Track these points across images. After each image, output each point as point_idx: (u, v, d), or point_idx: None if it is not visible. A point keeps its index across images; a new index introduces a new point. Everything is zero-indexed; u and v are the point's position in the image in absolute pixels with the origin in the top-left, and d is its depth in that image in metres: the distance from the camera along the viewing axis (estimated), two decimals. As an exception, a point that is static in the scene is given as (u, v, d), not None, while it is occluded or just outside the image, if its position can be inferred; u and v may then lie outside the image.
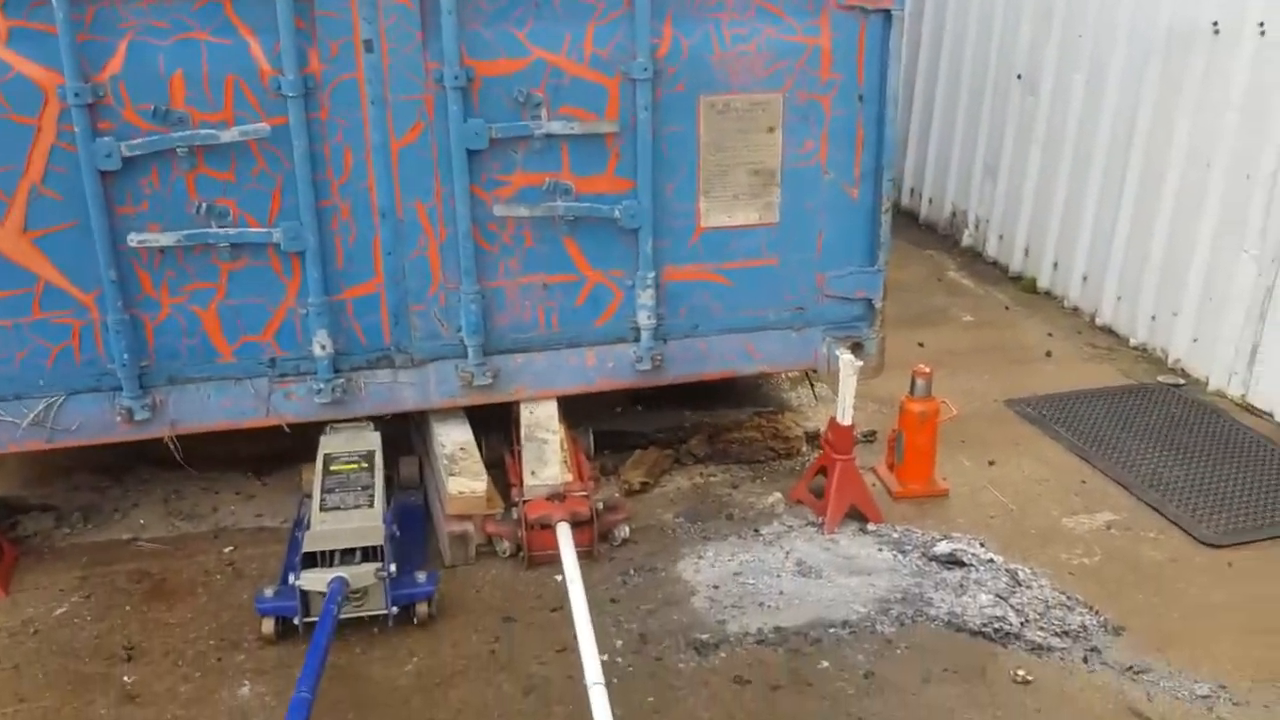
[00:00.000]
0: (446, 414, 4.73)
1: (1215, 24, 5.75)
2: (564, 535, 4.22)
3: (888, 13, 4.52)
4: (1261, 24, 5.47)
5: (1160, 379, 6.07)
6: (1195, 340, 6.04)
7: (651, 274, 4.58)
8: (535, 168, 4.39)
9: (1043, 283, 7.40)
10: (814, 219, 4.76)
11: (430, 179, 4.30)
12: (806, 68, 4.54)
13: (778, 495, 4.92)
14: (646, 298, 4.61)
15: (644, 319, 4.64)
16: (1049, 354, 6.43)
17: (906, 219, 8.98)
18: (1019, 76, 7.52)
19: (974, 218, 8.27)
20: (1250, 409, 5.67)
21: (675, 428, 5.41)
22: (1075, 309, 7.07)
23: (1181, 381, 6.01)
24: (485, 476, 4.43)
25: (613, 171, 4.47)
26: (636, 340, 4.71)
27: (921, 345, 6.49)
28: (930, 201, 8.92)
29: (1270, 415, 5.55)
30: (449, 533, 4.43)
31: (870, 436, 5.44)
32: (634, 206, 4.46)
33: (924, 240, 8.62)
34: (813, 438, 5.40)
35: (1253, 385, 5.66)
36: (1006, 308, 7.21)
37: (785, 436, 5.31)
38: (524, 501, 4.41)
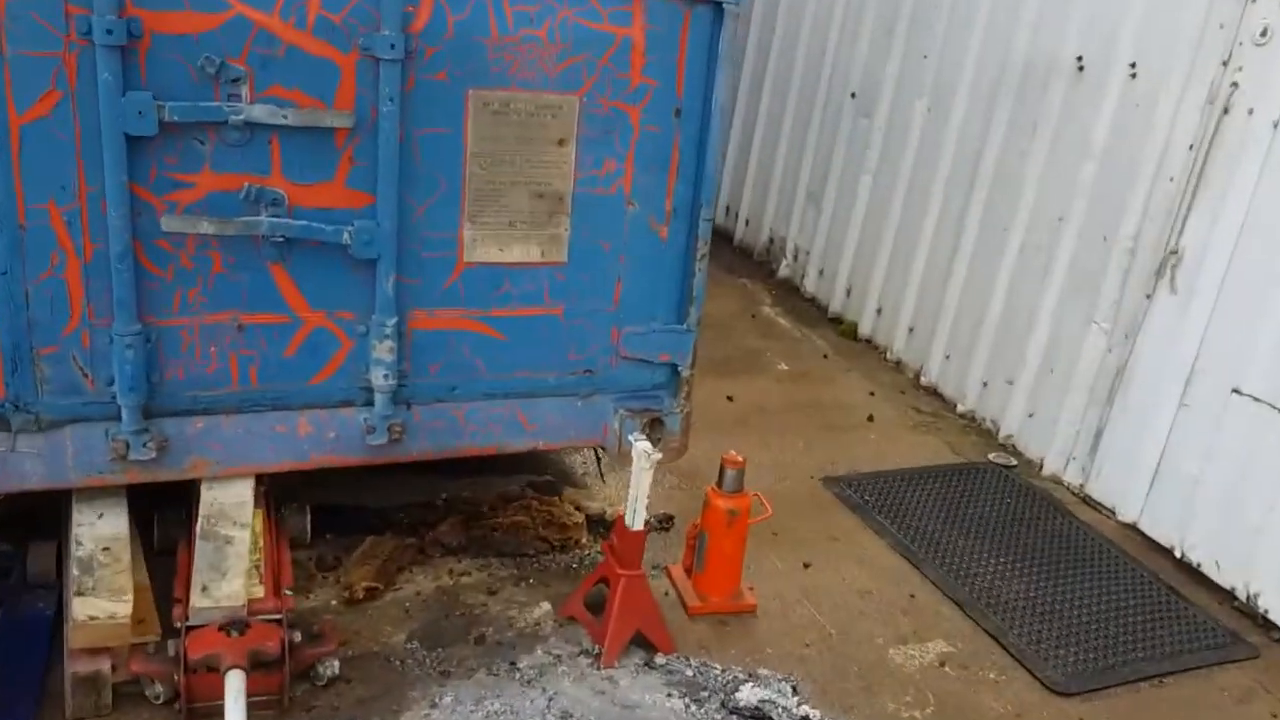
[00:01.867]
0: (95, 494, 3.43)
1: (1079, 60, 5.06)
2: (234, 688, 3.01)
3: (719, 6, 3.53)
4: (1133, 65, 4.80)
5: (991, 457, 5.37)
6: (1031, 415, 5.37)
7: (393, 320, 3.42)
8: (231, 167, 3.14)
9: (864, 329, 6.64)
10: (612, 261, 3.72)
11: (70, 172, 2.98)
12: (612, 66, 3.49)
13: (546, 607, 3.85)
14: (384, 350, 3.45)
15: (380, 378, 3.48)
16: (870, 418, 5.64)
17: (719, 241, 8.07)
18: (853, 95, 6.74)
19: (793, 247, 7.47)
20: (1090, 502, 5.03)
21: (423, 505, 4.27)
22: (898, 363, 6.34)
23: (1013, 462, 5.33)
24: (130, 593, 3.16)
25: (343, 181, 3.28)
26: (369, 405, 3.55)
27: (730, 400, 5.58)
28: (747, 223, 8.08)
29: (1113, 512, 4.91)
30: (72, 673, 3.13)
31: (666, 523, 4.46)
32: (371, 229, 3.29)
33: (738, 266, 7.76)
34: (597, 523, 4.37)
35: (1093, 475, 5.01)
36: (825, 356, 6.41)
37: (562, 523, 4.25)
38: (187, 630, 3.17)
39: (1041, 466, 5.28)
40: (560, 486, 4.61)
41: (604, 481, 4.69)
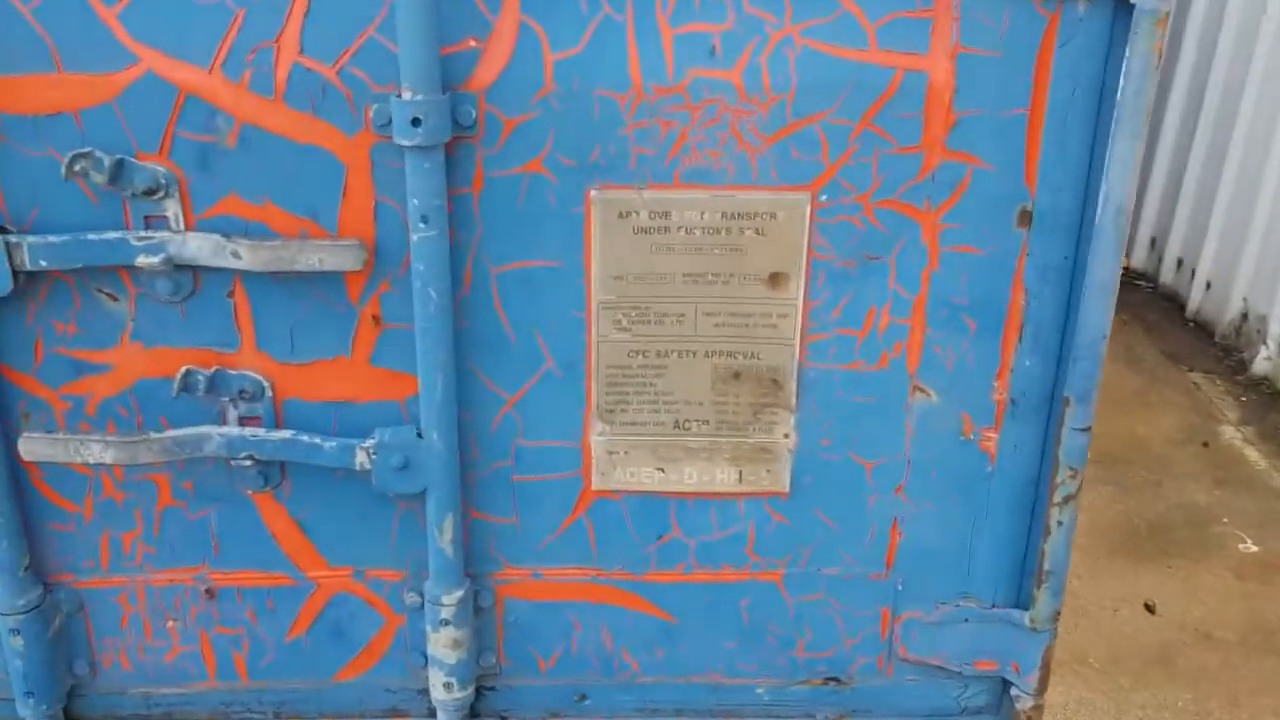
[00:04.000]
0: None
1: None
2: None
3: (1125, 3, 1.65)
4: None
5: None
6: None
7: (457, 591, 1.93)
8: (170, 338, 1.82)
9: (1401, 485, 4.15)
10: (880, 492, 1.96)
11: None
12: (881, 133, 1.74)
13: None
14: (446, 644, 1.95)
15: (441, 687, 2.00)
16: None
17: (1154, 307, 5.77)
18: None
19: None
20: None
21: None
22: None
23: None
24: None
25: (365, 357, 1.83)
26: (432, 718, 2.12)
27: (1151, 610, 3.48)
28: (1208, 286, 5.65)
29: None
30: None
31: None
32: (409, 442, 1.82)
33: (1185, 352, 5.38)
34: None
35: None
36: (1327, 532, 4.02)
37: None
38: None
39: None
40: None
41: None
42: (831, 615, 2.06)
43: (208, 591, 1.98)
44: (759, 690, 2.12)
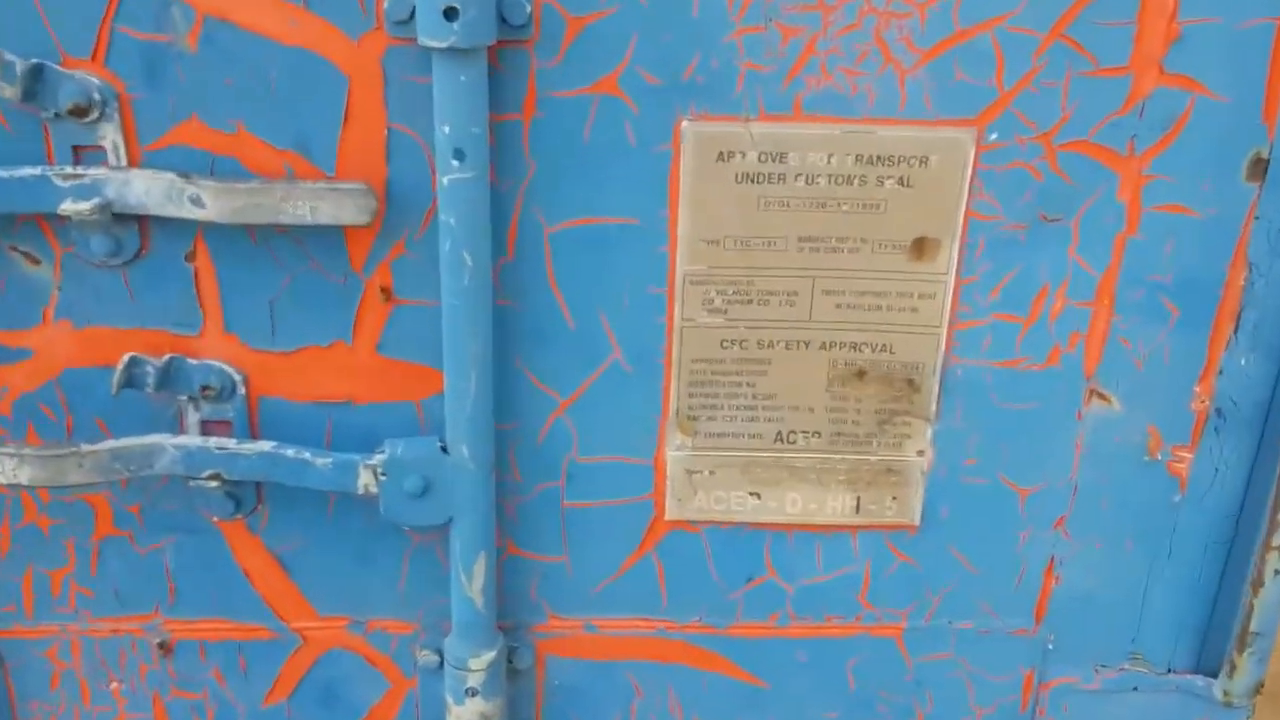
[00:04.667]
0: None
1: None
2: None
3: None
4: None
5: None
6: None
7: (489, 652, 1.48)
8: (105, 316, 1.36)
9: None
10: (1035, 525, 1.51)
11: None
12: (1079, 48, 1.29)
13: None
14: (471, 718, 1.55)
15: None
16: None
17: None
18: None
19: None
20: None
21: None
22: None
23: None
24: None
25: (373, 343, 1.39)
26: (459, 796, 1.67)
27: None
28: None
29: None
30: None
31: None
32: (430, 456, 1.35)
33: None
34: None
35: None
36: None
37: None
38: None
39: None
40: None
41: None
42: (962, 680, 1.61)
43: (161, 645, 1.52)
44: (854, 794, 1.68)
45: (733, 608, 1.55)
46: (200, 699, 1.56)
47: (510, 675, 1.55)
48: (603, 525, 1.50)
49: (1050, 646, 1.59)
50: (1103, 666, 1.60)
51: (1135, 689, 1.60)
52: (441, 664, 1.51)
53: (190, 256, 1.32)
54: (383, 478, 1.36)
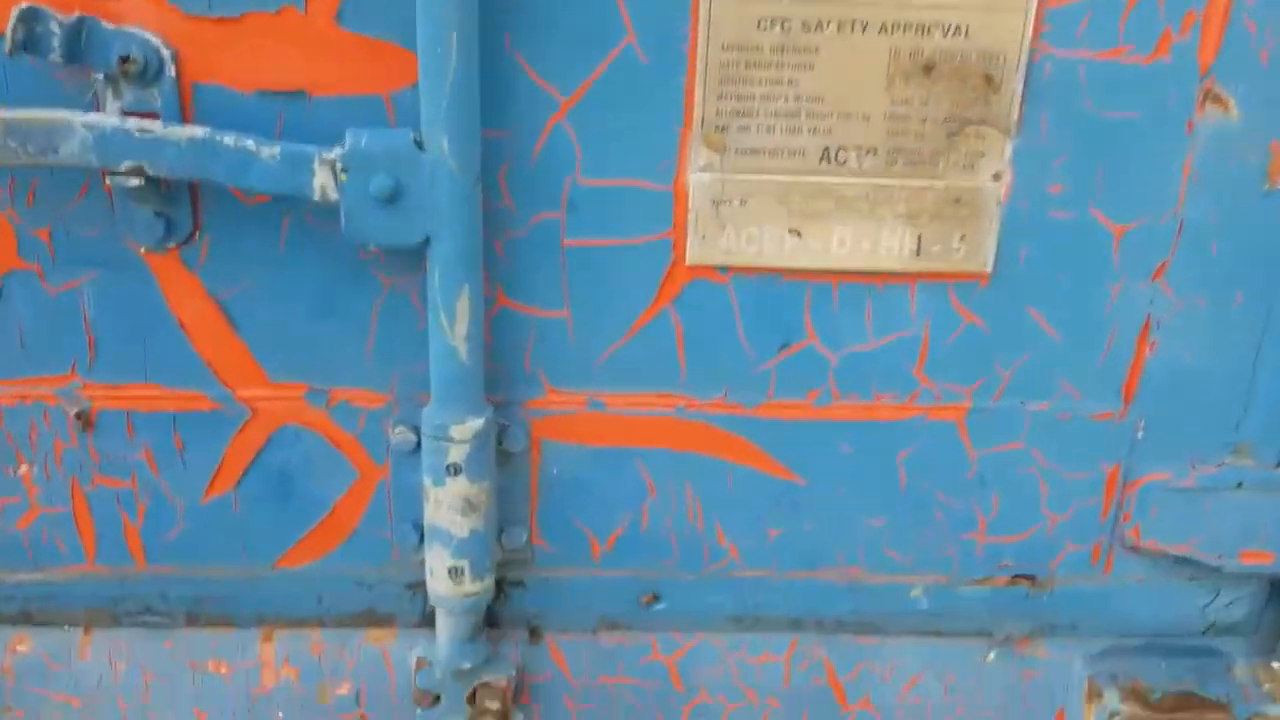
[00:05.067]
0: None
1: None
2: None
3: None
4: None
5: None
6: None
7: (479, 418, 1.25)
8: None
9: None
10: (1131, 264, 1.29)
11: None
12: None
13: None
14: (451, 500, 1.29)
15: (447, 581, 1.33)
16: None
17: None
18: None
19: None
20: None
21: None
22: None
23: None
24: None
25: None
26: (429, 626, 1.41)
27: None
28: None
29: None
30: None
31: None
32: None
33: None
34: None
35: None
36: None
37: None
38: None
39: None
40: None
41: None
42: (1033, 477, 1.36)
43: (79, 416, 1.26)
44: (915, 593, 1.42)
45: (764, 381, 1.30)
46: (128, 488, 1.30)
47: (500, 460, 1.29)
48: (611, 270, 1.24)
49: (1140, 435, 1.34)
50: (1200, 461, 1.36)
51: (1239, 485, 1.35)
52: (419, 445, 1.26)
53: (105, -112, 1.07)
54: (343, 176, 1.10)
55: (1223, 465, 1.36)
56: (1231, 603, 1.44)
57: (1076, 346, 1.30)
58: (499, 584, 1.36)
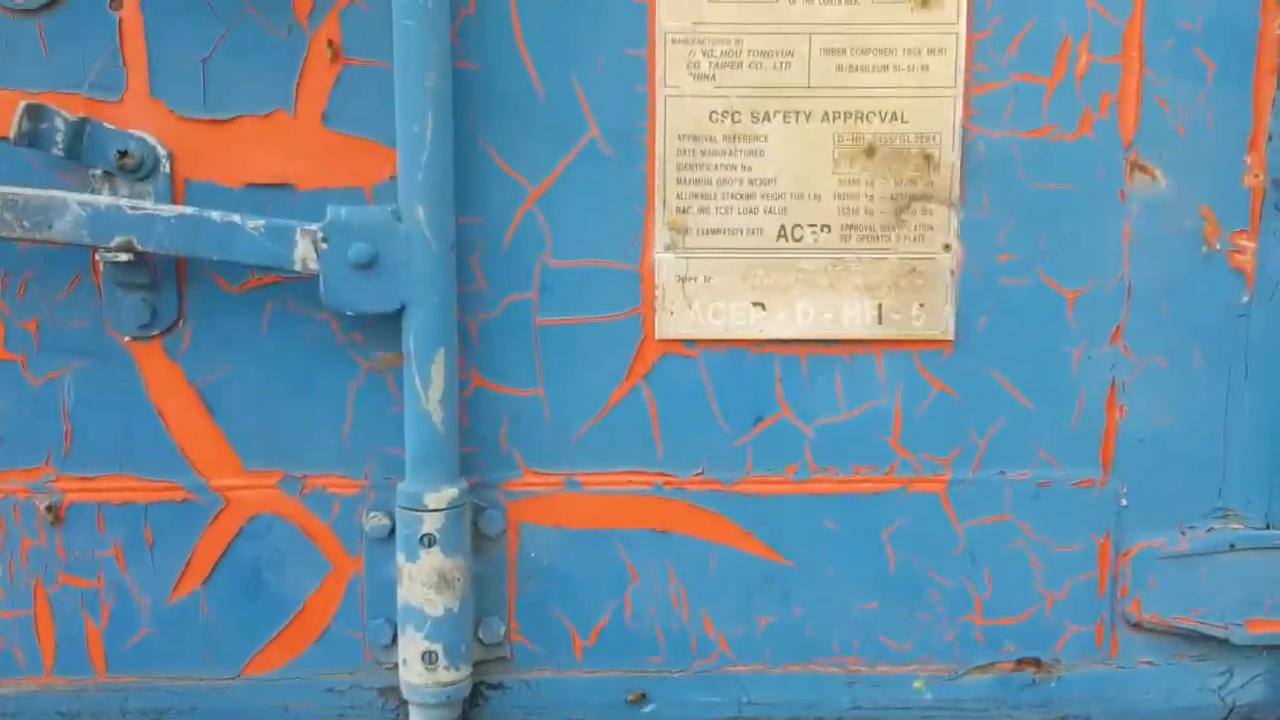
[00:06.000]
0: None
1: None
2: None
3: None
4: None
5: None
6: None
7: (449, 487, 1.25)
8: None
9: None
10: (1087, 328, 1.32)
11: None
12: None
13: None
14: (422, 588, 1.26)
15: (422, 672, 1.27)
16: None
17: None
18: None
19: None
20: None
21: None
22: None
23: None
24: None
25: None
26: (415, 733, 1.33)
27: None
28: None
29: None
30: None
31: None
32: None
33: None
34: None
35: None
36: None
37: None
38: None
39: None
40: None
41: None
42: (1023, 551, 1.33)
43: (50, 510, 1.24)
44: (917, 684, 1.35)
45: (741, 456, 1.30)
46: (93, 588, 1.26)
47: (477, 544, 1.27)
48: (583, 348, 1.27)
49: (1124, 502, 1.33)
50: (1190, 526, 1.34)
51: (1232, 548, 1.33)
52: (393, 531, 1.25)
53: (115, 3, 1.18)
54: (323, 246, 1.16)
55: (1212, 530, 1.34)
56: (1248, 682, 1.37)
57: (1048, 412, 1.32)
58: (477, 688, 1.30)
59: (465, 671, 1.25)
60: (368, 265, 1.16)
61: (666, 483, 1.30)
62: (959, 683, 1.35)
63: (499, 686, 1.32)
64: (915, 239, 1.28)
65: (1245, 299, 1.30)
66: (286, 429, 1.26)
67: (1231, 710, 1.38)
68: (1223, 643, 1.34)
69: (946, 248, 1.28)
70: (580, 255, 1.26)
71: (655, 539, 1.31)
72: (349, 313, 1.19)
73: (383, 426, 1.25)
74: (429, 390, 1.19)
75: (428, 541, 1.20)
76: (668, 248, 1.27)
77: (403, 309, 1.18)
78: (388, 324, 1.20)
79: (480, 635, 1.29)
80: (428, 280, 1.18)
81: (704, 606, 1.32)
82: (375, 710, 1.31)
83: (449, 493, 1.21)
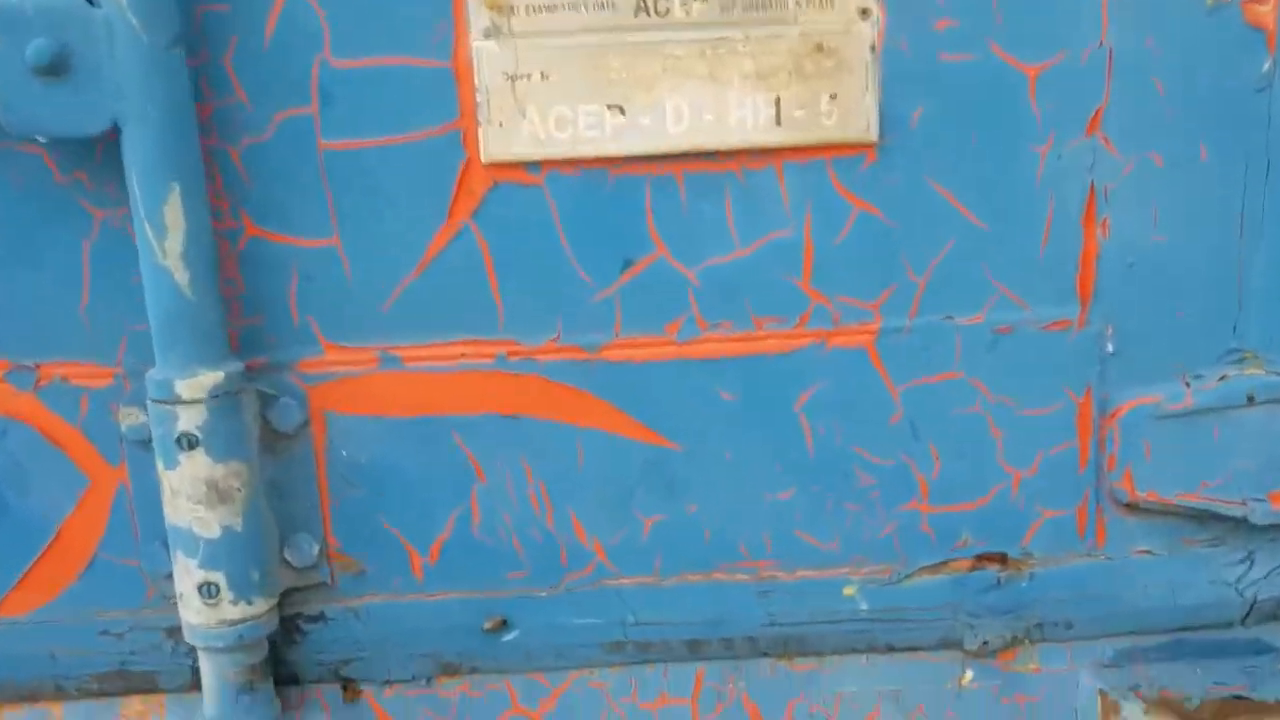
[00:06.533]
0: None
1: None
2: None
3: None
4: None
5: None
6: None
7: None
8: None
9: None
10: (1054, 117, 1.01)
11: None
12: None
13: None
14: None
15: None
16: None
17: None
18: None
19: None
20: None
21: None
22: None
23: None
24: None
25: None
26: None
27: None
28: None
29: None
30: None
31: None
32: None
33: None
34: None
35: None
36: None
37: None
38: None
39: None
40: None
41: None
42: (979, 417, 1.04)
43: None
44: (849, 591, 1.07)
45: (607, 313, 1.00)
46: None
47: (270, 442, 0.98)
48: (388, 179, 0.96)
49: (1110, 348, 1.03)
50: (1196, 375, 1.04)
51: (1250, 401, 1.03)
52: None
53: None
54: (-10, 45, 0.85)
55: (1224, 379, 1.04)
56: (1272, 572, 1.09)
57: (1007, 233, 1.00)
58: (291, 622, 1.03)
59: (262, 606, 0.97)
60: (54, 70, 0.85)
61: (511, 353, 1.00)
62: (902, 587, 1.07)
63: (318, 619, 1.05)
64: (822, 5, 0.95)
65: (1267, 66, 0.97)
66: (6, 306, 0.97)
67: (1253, 606, 1.09)
68: (1240, 523, 1.05)
69: (864, 13, 0.96)
70: (370, 51, 0.94)
71: (503, 425, 1.01)
72: (39, 138, 0.88)
73: (135, 295, 0.96)
74: (165, 241, 0.89)
75: (187, 443, 0.92)
76: (488, 34, 0.95)
77: (116, 130, 0.88)
78: (117, 155, 0.90)
79: (288, 557, 1.01)
80: (143, 88, 0.86)
81: (572, 507, 1.03)
82: (164, 654, 1.04)
83: (210, 377, 0.91)
